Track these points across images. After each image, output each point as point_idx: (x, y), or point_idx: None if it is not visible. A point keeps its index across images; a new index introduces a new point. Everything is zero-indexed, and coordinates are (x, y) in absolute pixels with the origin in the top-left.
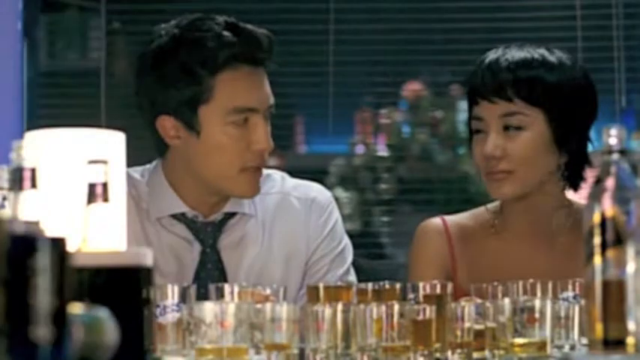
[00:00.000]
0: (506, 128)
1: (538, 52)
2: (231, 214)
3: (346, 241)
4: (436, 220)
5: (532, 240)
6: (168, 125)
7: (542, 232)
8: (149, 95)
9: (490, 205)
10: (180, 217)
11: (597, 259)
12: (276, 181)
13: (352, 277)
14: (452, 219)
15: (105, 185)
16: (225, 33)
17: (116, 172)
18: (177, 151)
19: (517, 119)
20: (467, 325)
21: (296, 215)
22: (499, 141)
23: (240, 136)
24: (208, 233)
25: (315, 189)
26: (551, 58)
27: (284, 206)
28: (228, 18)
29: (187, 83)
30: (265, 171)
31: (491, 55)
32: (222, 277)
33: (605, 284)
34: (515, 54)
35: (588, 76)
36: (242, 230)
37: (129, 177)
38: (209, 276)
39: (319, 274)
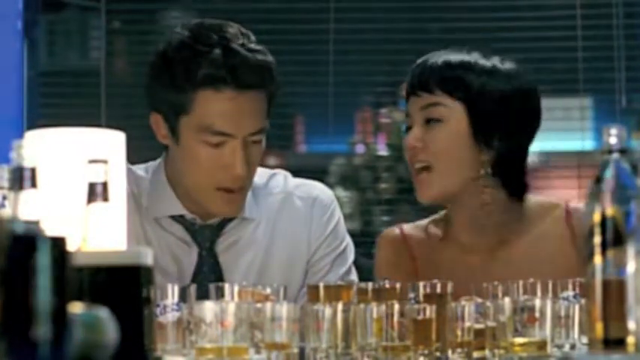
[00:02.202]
0: (428, 122)
1: (472, 56)
2: (231, 218)
3: (348, 240)
4: (394, 230)
5: (479, 248)
6: (160, 123)
7: (488, 241)
8: (147, 89)
9: (439, 214)
10: (178, 219)
11: (597, 259)
12: (279, 181)
13: (354, 277)
14: (409, 227)
15: (105, 185)
16: (216, 51)
17: (116, 171)
18: (172, 151)
19: (437, 111)
20: (467, 324)
21: (298, 214)
22: (419, 133)
23: (214, 156)
24: (206, 236)
25: (317, 188)
26: (482, 62)
27: (287, 206)
28: (236, 34)
29: (172, 90)
30: (269, 171)
31: (425, 57)
32: (220, 281)
33: (606, 284)
34: (447, 56)
35: (531, 88)
36: (241, 233)
37: (132, 174)
38: (206, 279)
39: (321, 273)
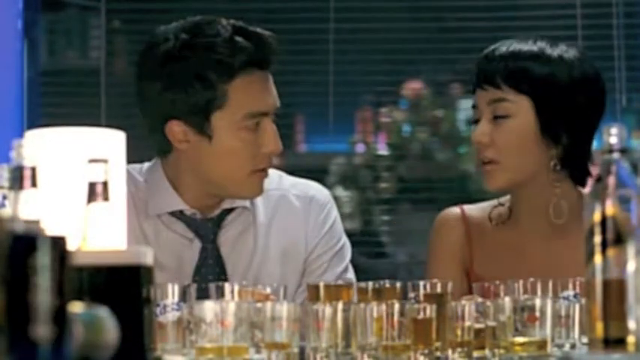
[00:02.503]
0: (495, 117)
1: (538, 46)
2: (230, 210)
3: (345, 239)
4: (455, 210)
5: (541, 233)
6: (177, 130)
7: (551, 225)
8: (157, 100)
9: (502, 199)
10: (178, 215)
11: (598, 258)
12: (274, 179)
13: (351, 275)
14: (470, 208)
15: (105, 184)
16: (238, 38)
17: (116, 171)
18: (183, 154)
19: (504, 107)
20: (467, 323)
21: (295, 213)
22: (486, 128)
23: (252, 140)
24: (208, 229)
25: (313, 187)
26: (549, 52)
27: (283, 203)
28: (236, 22)
29: (200, 89)
30: None
31: (492, 47)
32: (223, 273)
33: (606, 283)
34: (513, 46)
35: (595, 76)
36: (240, 226)
37: (127, 174)
38: (210, 272)
39: (318, 272)
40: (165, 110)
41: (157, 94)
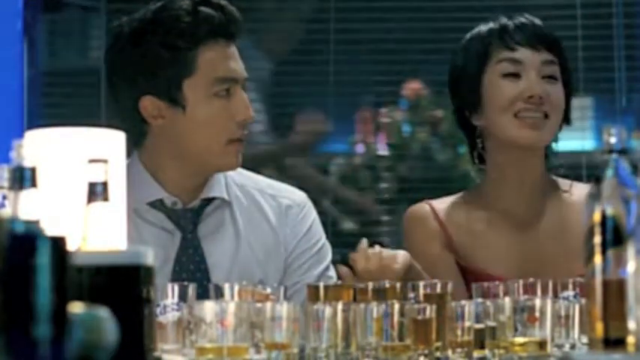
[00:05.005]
0: (546, 78)
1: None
2: (209, 201)
3: (324, 240)
4: (422, 205)
5: (515, 218)
6: (151, 106)
7: (527, 210)
8: (129, 79)
9: (469, 189)
10: (159, 206)
11: (598, 259)
12: (251, 178)
13: (332, 274)
14: (436, 202)
15: (105, 184)
16: (201, 8)
17: (116, 171)
18: (159, 132)
19: (554, 70)
20: (467, 324)
21: (272, 213)
22: (542, 84)
23: (223, 107)
24: (188, 219)
25: (289, 190)
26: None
27: (260, 201)
28: None
29: (170, 59)
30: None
31: (512, 17)
32: (203, 264)
33: (606, 283)
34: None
35: None
36: (219, 219)
37: None
38: (190, 261)
39: (299, 272)
40: (137, 88)
41: (127, 74)
